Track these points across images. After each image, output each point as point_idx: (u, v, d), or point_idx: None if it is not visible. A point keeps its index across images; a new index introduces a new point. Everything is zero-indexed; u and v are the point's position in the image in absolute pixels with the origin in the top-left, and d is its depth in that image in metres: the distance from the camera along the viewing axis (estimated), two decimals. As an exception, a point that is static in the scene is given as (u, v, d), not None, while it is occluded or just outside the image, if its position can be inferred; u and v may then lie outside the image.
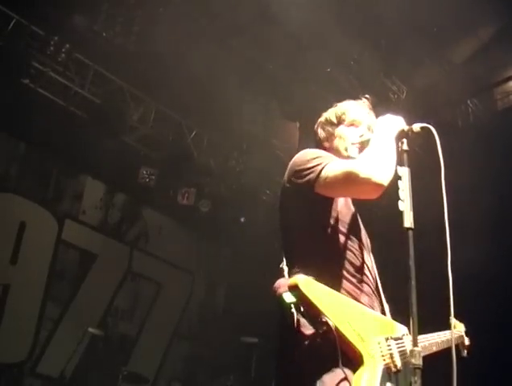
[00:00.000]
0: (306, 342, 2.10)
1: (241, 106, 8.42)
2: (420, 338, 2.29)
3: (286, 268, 2.42)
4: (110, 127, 8.02)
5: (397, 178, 2.22)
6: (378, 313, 2.36)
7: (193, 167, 8.86)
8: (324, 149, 2.75)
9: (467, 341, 2.93)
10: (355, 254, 2.49)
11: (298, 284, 2.05)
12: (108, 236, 9.13)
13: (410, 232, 2.10)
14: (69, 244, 8.62)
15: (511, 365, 6.80)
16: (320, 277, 2.14)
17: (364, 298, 2.36)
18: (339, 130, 2.79)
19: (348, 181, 2.25)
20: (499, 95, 8.36)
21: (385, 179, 2.21)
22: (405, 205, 2.12)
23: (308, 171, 2.42)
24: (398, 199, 2.17)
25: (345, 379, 1.99)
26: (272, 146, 8.97)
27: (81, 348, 8.13)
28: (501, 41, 7.64)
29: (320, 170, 2.37)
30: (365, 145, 2.55)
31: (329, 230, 2.47)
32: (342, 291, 2.30)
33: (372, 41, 7.71)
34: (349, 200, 2.63)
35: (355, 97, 2.93)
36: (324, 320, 2.03)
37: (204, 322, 9.94)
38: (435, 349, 2.48)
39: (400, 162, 2.27)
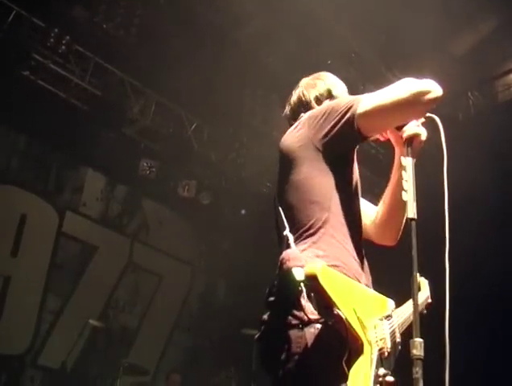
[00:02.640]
0: (308, 328, 1.99)
1: (241, 99, 8.40)
2: (399, 311, 2.27)
3: (291, 236, 2.19)
4: (111, 119, 8.04)
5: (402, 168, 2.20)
6: (373, 290, 2.27)
7: (194, 159, 8.85)
8: None
9: (429, 299, 2.83)
10: (359, 228, 2.38)
11: (317, 275, 1.90)
12: (108, 228, 9.14)
13: (414, 223, 2.09)
14: (70, 236, 8.62)
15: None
16: (329, 253, 2.10)
17: (363, 277, 2.26)
18: None
19: (406, 93, 2.12)
20: (500, 87, 8.35)
21: (440, 90, 2.15)
22: (408, 196, 2.11)
23: (347, 105, 2.22)
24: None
25: (345, 372, 1.91)
26: (273, 139, 8.96)
27: (82, 340, 8.17)
28: (502, 33, 7.64)
29: (360, 100, 2.21)
30: None
31: (347, 197, 2.32)
32: (349, 270, 2.18)
33: (373, 33, 7.69)
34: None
35: (356, 89, 2.87)
36: (335, 312, 1.94)
37: (204, 313, 9.95)
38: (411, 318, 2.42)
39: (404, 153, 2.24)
